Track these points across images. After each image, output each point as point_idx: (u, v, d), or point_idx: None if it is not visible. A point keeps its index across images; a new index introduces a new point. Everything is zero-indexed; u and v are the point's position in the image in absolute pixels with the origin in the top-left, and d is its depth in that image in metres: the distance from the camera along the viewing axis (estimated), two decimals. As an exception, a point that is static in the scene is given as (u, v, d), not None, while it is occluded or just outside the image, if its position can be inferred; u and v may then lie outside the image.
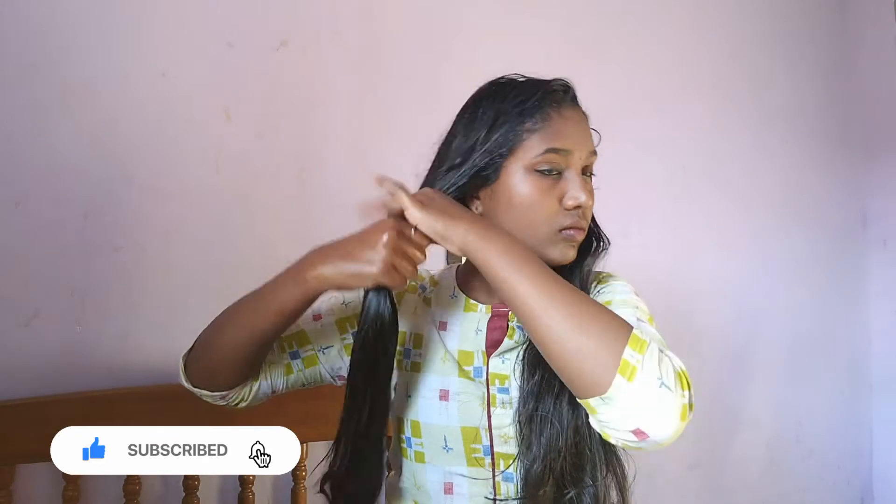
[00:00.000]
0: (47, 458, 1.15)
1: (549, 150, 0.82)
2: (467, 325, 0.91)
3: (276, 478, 1.40)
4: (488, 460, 0.87)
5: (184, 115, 1.32)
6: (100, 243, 1.24)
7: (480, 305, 0.91)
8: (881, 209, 2.47)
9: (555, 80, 0.88)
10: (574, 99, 0.88)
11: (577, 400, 0.72)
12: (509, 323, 0.89)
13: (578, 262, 0.89)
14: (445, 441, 0.87)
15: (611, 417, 0.68)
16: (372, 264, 0.78)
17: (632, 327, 0.70)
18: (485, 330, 0.89)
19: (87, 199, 1.23)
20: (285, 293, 0.87)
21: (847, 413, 2.44)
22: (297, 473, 1.36)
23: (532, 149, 0.83)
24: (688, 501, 1.99)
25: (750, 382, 2.16)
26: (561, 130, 0.83)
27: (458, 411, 0.87)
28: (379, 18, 1.55)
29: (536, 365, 0.83)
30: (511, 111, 0.84)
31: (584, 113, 0.88)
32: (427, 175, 0.92)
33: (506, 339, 0.88)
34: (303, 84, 1.45)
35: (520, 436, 0.84)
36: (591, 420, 0.72)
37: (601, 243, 0.92)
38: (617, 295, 0.87)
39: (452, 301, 0.93)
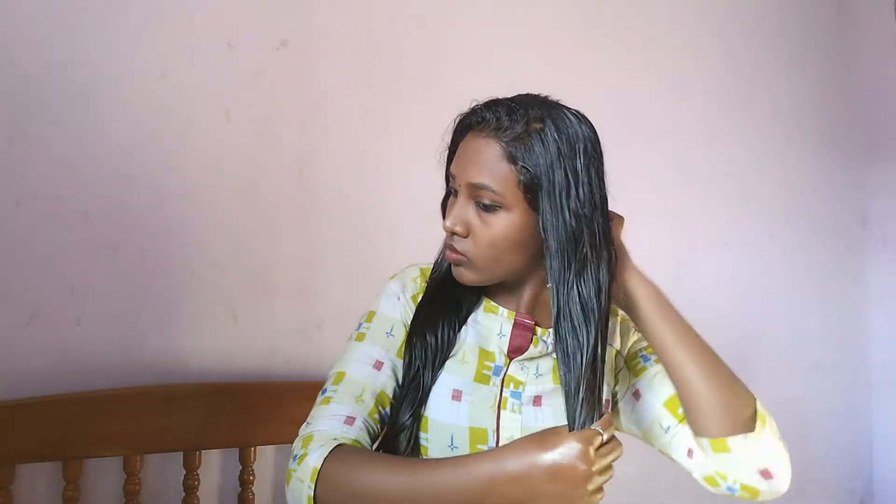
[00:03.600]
0: (47, 458, 1.16)
1: (447, 171, 0.90)
2: (488, 326, 0.93)
3: (276, 478, 1.40)
4: None
5: (184, 116, 1.32)
6: (100, 243, 1.24)
7: (501, 309, 0.93)
8: (881, 209, 2.47)
9: (486, 102, 0.88)
10: (481, 125, 0.85)
11: (708, 440, 0.82)
12: (535, 335, 0.91)
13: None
14: (452, 439, 0.88)
15: (747, 454, 0.80)
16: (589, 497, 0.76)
17: (755, 402, 0.85)
18: (508, 335, 0.91)
19: (87, 199, 1.23)
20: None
21: (847, 413, 2.44)
22: (297, 473, 1.36)
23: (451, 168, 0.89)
24: (687, 501, 1.99)
25: (750, 382, 2.14)
26: (456, 154, 0.88)
27: (468, 412, 0.88)
28: (379, 19, 1.55)
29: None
30: (454, 135, 0.91)
31: (494, 142, 0.83)
32: None
33: (531, 348, 0.90)
34: (303, 84, 1.45)
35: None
36: (699, 465, 0.84)
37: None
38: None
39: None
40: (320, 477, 0.76)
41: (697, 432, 0.83)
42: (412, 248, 1.48)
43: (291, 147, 1.43)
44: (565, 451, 0.75)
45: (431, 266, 0.97)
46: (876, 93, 2.48)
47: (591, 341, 0.82)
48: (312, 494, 0.76)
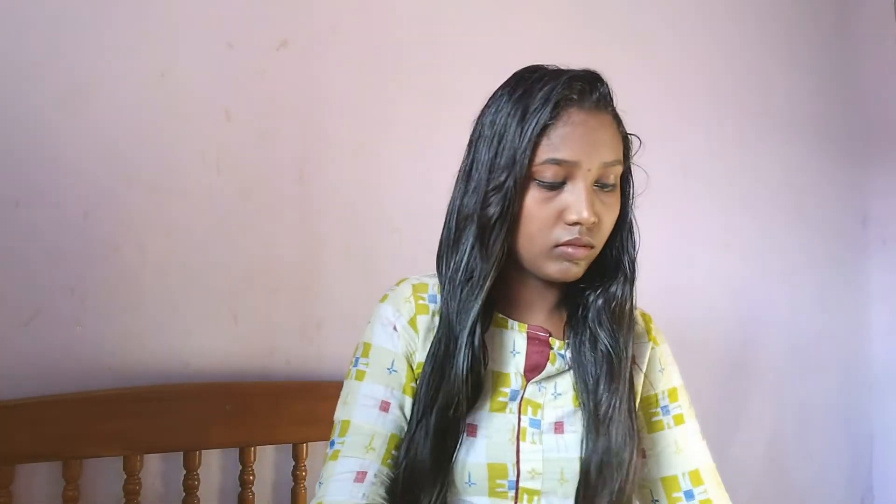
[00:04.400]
0: (47, 458, 1.16)
1: (548, 161, 0.77)
2: (499, 343, 0.85)
3: (277, 478, 1.40)
4: (511, 493, 0.81)
5: (184, 115, 1.32)
6: (100, 243, 1.24)
7: (512, 322, 0.86)
8: (881, 209, 2.47)
9: (574, 74, 0.81)
10: (597, 98, 0.80)
11: None
12: (551, 349, 0.85)
13: (598, 287, 0.84)
14: (469, 476, 0.81)
15: None
16: None
17: None
18: (524, 352, 0.84)
19: (87, 199, 1.23)
20: None
21: (847, 413, 2.44)
22: (297, 473, 1.36)
23: (536, 157, 0.77)
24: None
25: (750, 382, 2.16)
26: (565, 138, 0.77)
27: (485, 448, 0.81)
28: (379, 18, 1.55)
29: (604, 412, 0.81)
30: (515, 115, 0.79)
31: (607, 115, 0.81)
32: (454, 197, 0.86)
33: (548, 366, 0.84)
34: (303, 84, 1.45)
35: (586, 481, 0.81)
36: None
37: (620, 271, 0.84)
38: (679, 382, 0.92)
39: None
40: None
41: None
42: (412, 249, 1.48)
43: (291, 147, 1.43)
44: None
45: (423, 281, 0.88)
46: (876, 93, 2.48)
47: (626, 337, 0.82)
48: None
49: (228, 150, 1.36)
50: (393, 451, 0.81)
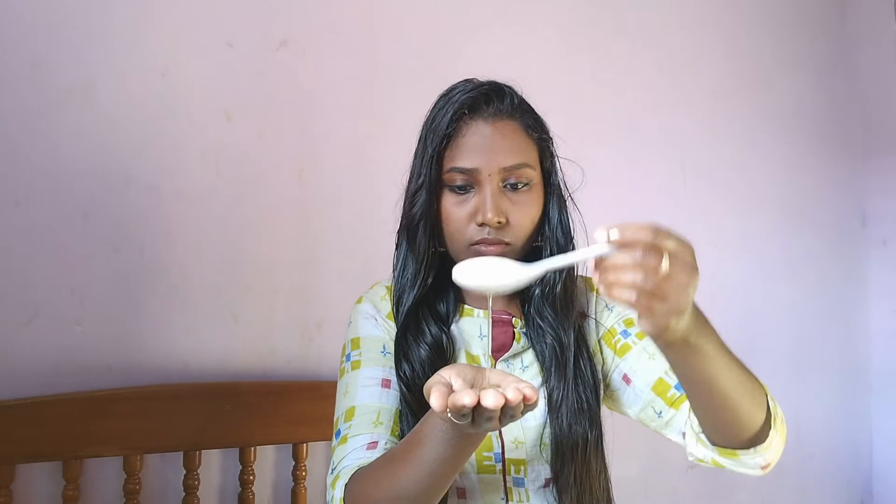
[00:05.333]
0: (47, 458, 1.16)
1: (452, 169, 0.85)
2: (467, 330, 0.92)
3: (276, 478, 1.40)
4: (499, 467, 0.86)
5: (184, 115, 1.32)
6: (100, 243, 1.24)
7: (476, 310, 0.92)
8: (881, 209, 2.47)
9: (476, 86, 0.87)
10: (496, 109, 0.85)
11: (719, 447, 0.79)
12: (514, 329, 0.91)
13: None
14: None
15: (752, 461, 0.78)
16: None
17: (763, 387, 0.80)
18: (489, 335, 0.90)
19: (87, 199, 1.23)
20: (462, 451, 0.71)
21: (847, 413, 2.44)
22: (297, 474, 1.36)
23: (444, 165, 0.86)
24: (687, 502, 1.99)
25: (750, 382, 2.16)
26: (464, 147, 0.85)
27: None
28: (379, 18, 1.55)
29: (562, 382, 0.87)
30: (431, 128, 0.87)
31: (511, 122, 0.86)
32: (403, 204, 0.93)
33: (514, 344, 0.90)
34: (303, 84, 1.45)
35: (551, 462, 0.86)
36: (695, 448, 0.81)
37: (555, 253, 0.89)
38: (629, 313, 0.95)
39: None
40: (347, 501, 0.76)
41: (709, 438, 0.79)
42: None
43: (291, 147, 1.43)
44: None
45: (392, 284, 0.93)
46: (876, 92, 2.48)
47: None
48: None
49: (228, 150, 1.36)
50: (400, 424, 0.85)
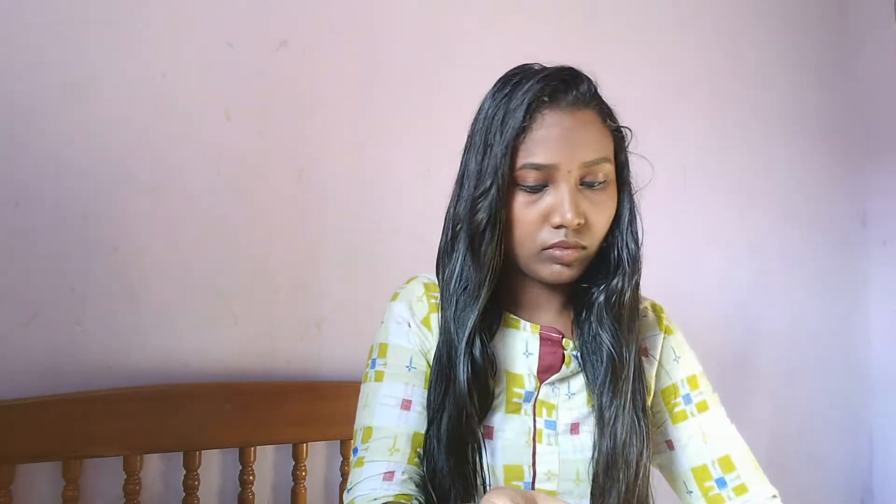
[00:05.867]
0: (47, 458, 1.16)
1: (526, 166, 0.77)
2: (511, 344, 0.84)
3: (276, 478, 1.40)
4: None
5: (184, 115, 1.32)
6: (100, 243, 1.24)
7: (524, 322, 0.85)
8: (881, 209, 2.47)
9: (548, 74, 0.80)
10: (574, 97, 0.79)
11: None
12: (564, 350, 0.84)
13: (600, 284, 0.82)
14: (486, 479, 0.81)
15: None
16: None
17: None
18: (536, 353, 0.83)
19: (87, 199, 1.23)
20: None
21: (847, 413, 2.44)
22: (297, 474, 1.36)
23: (517, 162, 0.77)
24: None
25: (750, 382, 2.16)
26: (541, 141, 0.76)
27: (502, 450, 0.80)
28: (379, 18, 1.55)
29: (614, 411, 0.80)
30: (500, 120, 0.78)
31: (588, 112, 0.79)
32: (449, 205, 0.86)
33: (563, 368, 0.83)
34: (303, 84, 1.45)
35: (595, 482, 0.80)
36: None
37: (619, 267, 0.82)
38: (698, 369, 0.91)
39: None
40: None
41: None
42: (412, 248, 1.49)
43: (291, 147, 1.43)
44: None
45: (433, 280, 0.87)
46: (876, 93, 2.48)
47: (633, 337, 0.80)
48: None
49: (228, 150, 1.36)
50: (418, 450, 0.80)
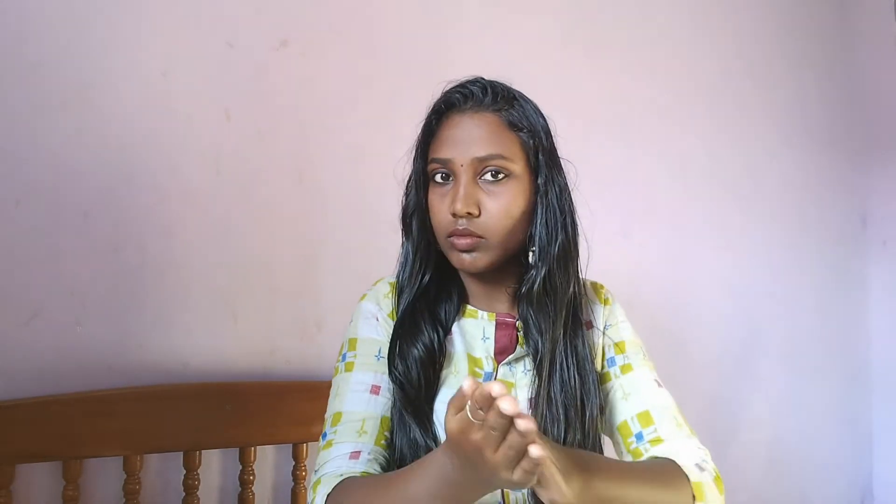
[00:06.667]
0: (47, 458, 1.16)
1: (432, 160, 0.87)
2: (471, 332, 0.92)
3: (276, 478, 1.40)
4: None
5: (184, 115, 1.32)
6: (100, 243, 1.24)
7: (481, 312, 0.93)
8: (881, 209, 2.47)
9: (459, 83, 0.89)
10: (475, 102, 0.87)
11: None
12: (518, 332, 0.91)
13: (526, 276, 0.88)
14: None
15: None
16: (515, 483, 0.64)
17: (689, 481, 0.81)
18: (492, 337, 0.91)
19: (87, 199, 1.23)
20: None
21: (847, 413, 2.44)
22: (296, 473, 1.36)
23: (428, 158, 0.89)
24: (688, 501, 1.99)
25: (750, 383, 2.16)
26: (442, 139, 0.87)
27: None
28: (378, 18, 1.55)
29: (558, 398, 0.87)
30: (421, 125, 0.91)
31: (488, 114, 0.86)
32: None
33: (518, 348, 0.90)
34: (303, 84, 1.45)
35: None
36: None
37: (534, 258, 0.88)
38: (628, 336, 0.96)
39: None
40: None
41: None
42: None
43: (291, 147, 1.43)
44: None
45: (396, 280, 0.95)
46: (876, 93, 2.48)
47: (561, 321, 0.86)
48: None
49: (228, 150, 1.36)
50: (385, 433, 0.87)
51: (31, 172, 1.19)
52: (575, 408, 0.86)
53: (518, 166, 0.86)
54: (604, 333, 0.96)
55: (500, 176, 0.84)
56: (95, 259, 1.24)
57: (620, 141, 1.88)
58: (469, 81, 0.89)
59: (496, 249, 0.85)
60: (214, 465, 1.34)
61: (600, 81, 1.86)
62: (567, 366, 0.88)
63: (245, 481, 1.32)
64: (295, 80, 1.44)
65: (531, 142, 0.86)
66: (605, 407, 0.93)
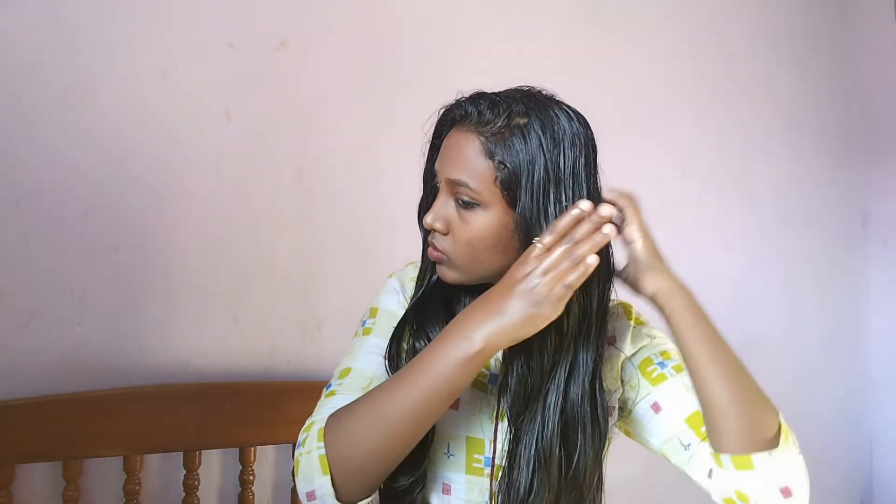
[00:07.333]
0: (47, 458, 1.16)
1: (429, 168, 0.88)
2: None
3: (276, 478, 1.40)
4: (487, 470, 0.86)
5: (184, 115, 1.32)
6: (100, 243, 1.24)
7: None
8: (881, 209, 2.47)
9: (461, 98, 0.86)
10: (461, 118, 0.83)
11: (731, 456, 0.78)
12: None
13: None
14: (448, 448, 0.86)
15: (770, 472, 0.76)
16: (539, 305, 0.73)
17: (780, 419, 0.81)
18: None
19: (87, 199, 1.23)
20: (458, 378, 0.73)
21: (847, 413, 2.44)
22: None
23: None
24: (687, 501, 1.99)
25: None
26: (441, 149, 0.85)
27: (466, 422, 0.86)
28: (379, 18, 1.55)
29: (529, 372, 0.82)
30: (436, 124, 0.89)
31: (471, 135, 0.81)
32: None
33: None
34: (303, 84, 1.45)
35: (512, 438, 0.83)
36: (719, 486, 0.80)
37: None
38: (672, 347, 0.93)
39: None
40: (327, 433, 0.75)
41: (720, 448, 0.79)
42: (412, 248, 1.48)
43: (291, 147, 1.43)
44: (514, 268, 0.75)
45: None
46: (876, 93, 2.48)
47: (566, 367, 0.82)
48: (324, 452, 0.74)
49: (228, 150, 1.36)
50: None
51: (31, 172, 1.19)
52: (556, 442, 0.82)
53: (488, 198, 0.80)
54: (633, 352, 0.93)
55: (470, 203, 0.81)
56: (95, 259, 1.24)
57: (620, 141, 1.88)
58: (478, 95, 0.84)
59: (462, 271, 0.84)
60: (214, 465, 1.34)
61: (599, 82, 1.86)
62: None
63: (245, 481, 1.32)
64: (295, 80, 1.44)
65: (507, 178, 0.79)
66: (661, 405, 0.89)
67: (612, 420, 0.91)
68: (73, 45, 1.23)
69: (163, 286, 1.29)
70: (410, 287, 0.93)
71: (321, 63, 1.47)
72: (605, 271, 0.84)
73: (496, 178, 0.80)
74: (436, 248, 0.84)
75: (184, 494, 1.27)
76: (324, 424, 0.76)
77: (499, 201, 0.80)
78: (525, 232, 0.79)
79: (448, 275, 0.85)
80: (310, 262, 1.44)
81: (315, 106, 1.46)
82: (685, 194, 2.04)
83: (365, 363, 0.86)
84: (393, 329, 0.88)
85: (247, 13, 1.40)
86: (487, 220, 0.81)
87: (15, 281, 1.17)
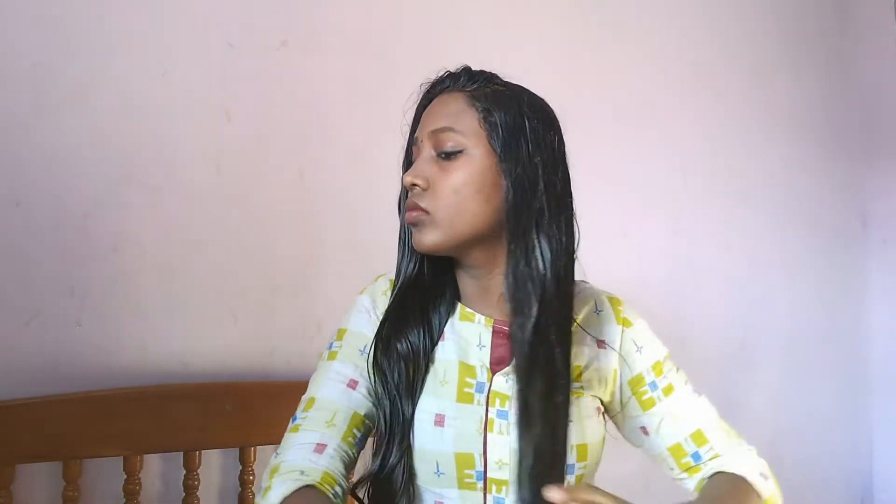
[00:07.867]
0: (47, 457, 1.16)
1: (408, 148, 0.89)
2: (466, 337, 0.88)
3: (276, 478, 1.40)
4: (480, 485, 0.83)
5: (184, 115, 1.32)
6: (100, 243, 1.24)
7: (478, 316, 0.88)
8: (881, 209, 2.48)
9: (447, 73, 0.90)
10: (445, 86, 0.88)
11: None
12: None
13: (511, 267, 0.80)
14: (437, 466, 0.83)
15: None
16: None
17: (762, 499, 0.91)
18: (489, 346, 0.87)
19: (87, 199, 1.23)
20: None
21: (847, 413, 2.44)
22: (297, 473, 1.36)
23: None
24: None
25: (749, 382, 2.16)
26: (422, 119, 0.87)
27: (453, 437, 0.83)
28: (379, 19, 1.55)
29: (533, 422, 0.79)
30: (416, 107, 0.92)
31: (456, 93, 0.86)
32: None
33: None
34: (303, 84, 1.45)
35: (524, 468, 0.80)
36: None
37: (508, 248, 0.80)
38: (661, 352, 0.93)
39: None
40: None
41: None
42: (412, 248, 1.47)
43: (291, 147, 1.43)
44: None
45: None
46: (876, 93, 2.48)
47: (535, 313, 0.77)
48: None
49: (228, 150, 1.36)
50: (355, 430, 0.84)
51: (31, 172, 1.19)
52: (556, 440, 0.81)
53: (472, 142, 0.81)
54: (622, 357, 0.91)
55: (454, 152, 0.82)
56: (95, 259, 1.24)
57: (620, 140, 1.88)
58: (459, 70, 0.90)
59: (443, 228, 0.81)
60: (214, 465, 1.33)
61: (599, 82, 1.86)
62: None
63: (245, 481, 1.32)
64: (295, 80, 1.44)
65: (492, 119, 0.81)
66: (649, 431, 0.93)
67: (600, 420, 0.91)
68: (73, 45, 1.23)
69: (163, 286, 1.29)
70: (383, 302, 0.91)
71: (321, 63, 1.47)
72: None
73: (480, 120, 0.82)
74: (416, 207, 0.82)
75: (184, 494, 1.26)
76: (289, 494, 0.75)
77: (483, 144, 0.82)
78: (506, 173, 0.80)
79: (427, 237, 0.82)
80: (310, 262, 1.44)
81: (315, 106, 1.46)
82: (685, 194, 2.04)
83: (328, 391, 0.86)
84: (360, 351, 0.88)
85: (247, 13, 1.40)
86: (472, 164, 0.82)
87: (15, 281, 1.17)
